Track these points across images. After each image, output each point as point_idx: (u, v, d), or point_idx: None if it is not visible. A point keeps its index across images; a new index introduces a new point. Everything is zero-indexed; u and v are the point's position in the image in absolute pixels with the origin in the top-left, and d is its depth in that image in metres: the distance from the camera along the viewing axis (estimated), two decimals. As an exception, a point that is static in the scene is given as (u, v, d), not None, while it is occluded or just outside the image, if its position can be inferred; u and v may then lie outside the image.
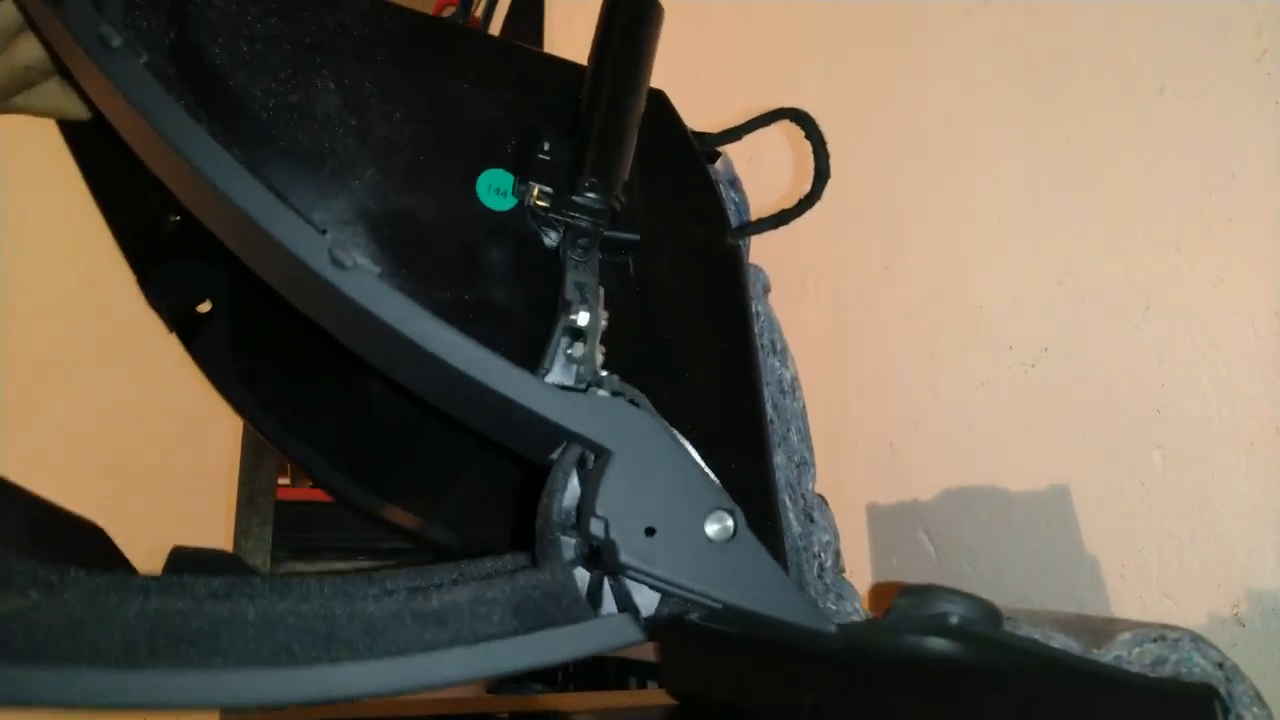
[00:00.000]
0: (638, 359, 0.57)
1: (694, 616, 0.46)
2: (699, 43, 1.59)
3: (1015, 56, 0.82)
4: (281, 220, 0.42)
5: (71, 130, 0.66)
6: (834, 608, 0.57)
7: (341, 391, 0.86)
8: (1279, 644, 0.56)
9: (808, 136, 0.68)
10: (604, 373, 0.50)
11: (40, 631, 0.35)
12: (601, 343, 0.52)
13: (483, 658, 0.39)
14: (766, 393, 0.63)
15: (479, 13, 3.36)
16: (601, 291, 0.54)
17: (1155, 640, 0.45)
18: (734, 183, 0.74)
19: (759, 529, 0.51)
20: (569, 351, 0.51)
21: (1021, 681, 0.48)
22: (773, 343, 0.67)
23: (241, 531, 1.56)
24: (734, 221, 0.71)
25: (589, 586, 0.46)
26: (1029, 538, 0.77)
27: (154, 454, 2.95)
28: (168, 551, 0.54)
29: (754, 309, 0.66)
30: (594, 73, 0.61)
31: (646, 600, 0.46)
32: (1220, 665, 0.44)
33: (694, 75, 1.63)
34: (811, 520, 0.62)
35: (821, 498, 0.65)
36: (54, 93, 0.60)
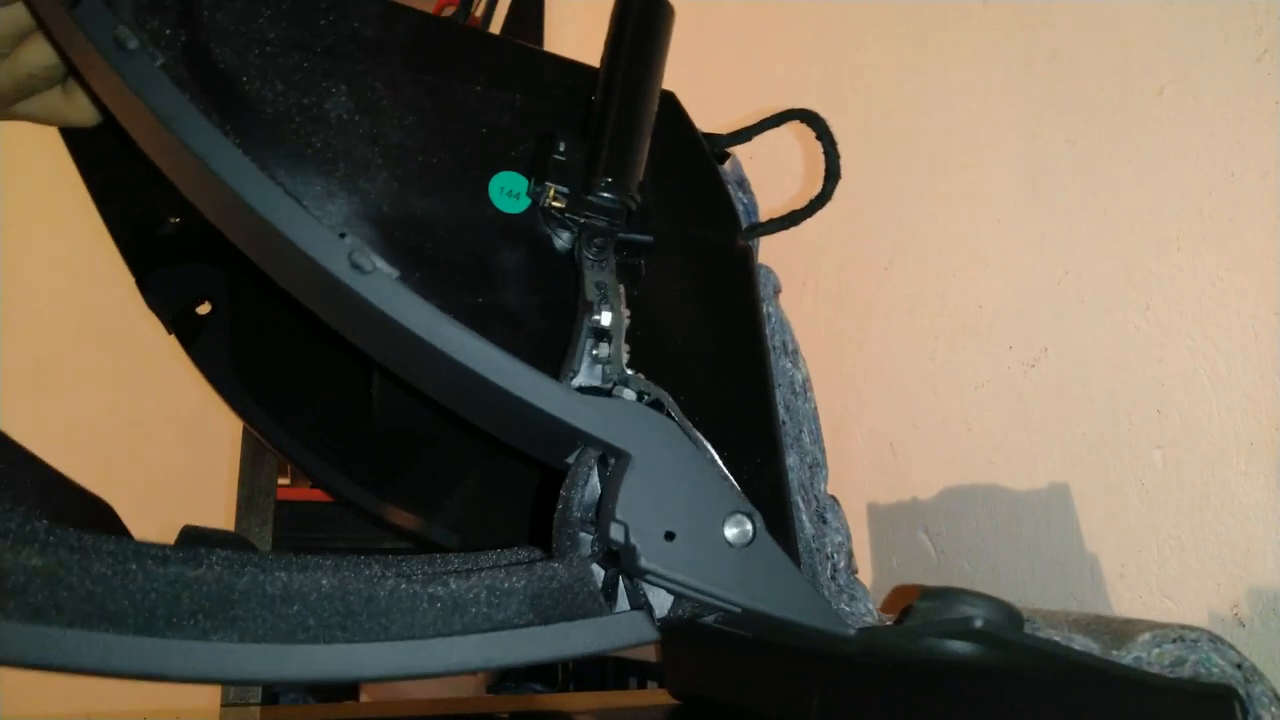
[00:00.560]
0: (651, 362, 0.57)
1: (710, 619, 0.46)
2: (700, 43, 1.59)
3: (1015, 56, 0.82)
4: (302, 225, 0.42)
5: (72, 133, 0.66)
6: (848, 609, 0.57)
7: (342, 393, 0.86)
8: (1279, 644, 0.56)
9: (819, 138, 0.68)
10: (630, 371, 0.51)
11: (61, 591, 0.34)
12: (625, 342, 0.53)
13: (497, 646, 0.39)
14: (779, 394, 0.63)
15: (479, 12, 3.36)
16: (622, 290, 0.55)
17: (1174, 641, 0.45)
18: (743, 184, 0.74)
19: (774, 531, 0.51)
20: (594, 352, 0.51)
21: (1040, 683, 0.48)
22: (784, 344, 0.67)
23: (241, 530, 1.56)
24: (743, 223, 0.71)
25: (604, 583, 0.46)
26: (1029, 538, 0.77)
27: (154, 454, 2.95)
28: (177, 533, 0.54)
29: (765, 310, 0.66)
30: (607, 73, 0.61)
31: (660, 600, 0.46)
32: (1239, 666, 0.44)
33: (694, 76, 1.63)
34: (824, 521, 0.62)
35: (834, 498, 0.65)
36: (56, 100, 0.60)
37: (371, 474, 0.86)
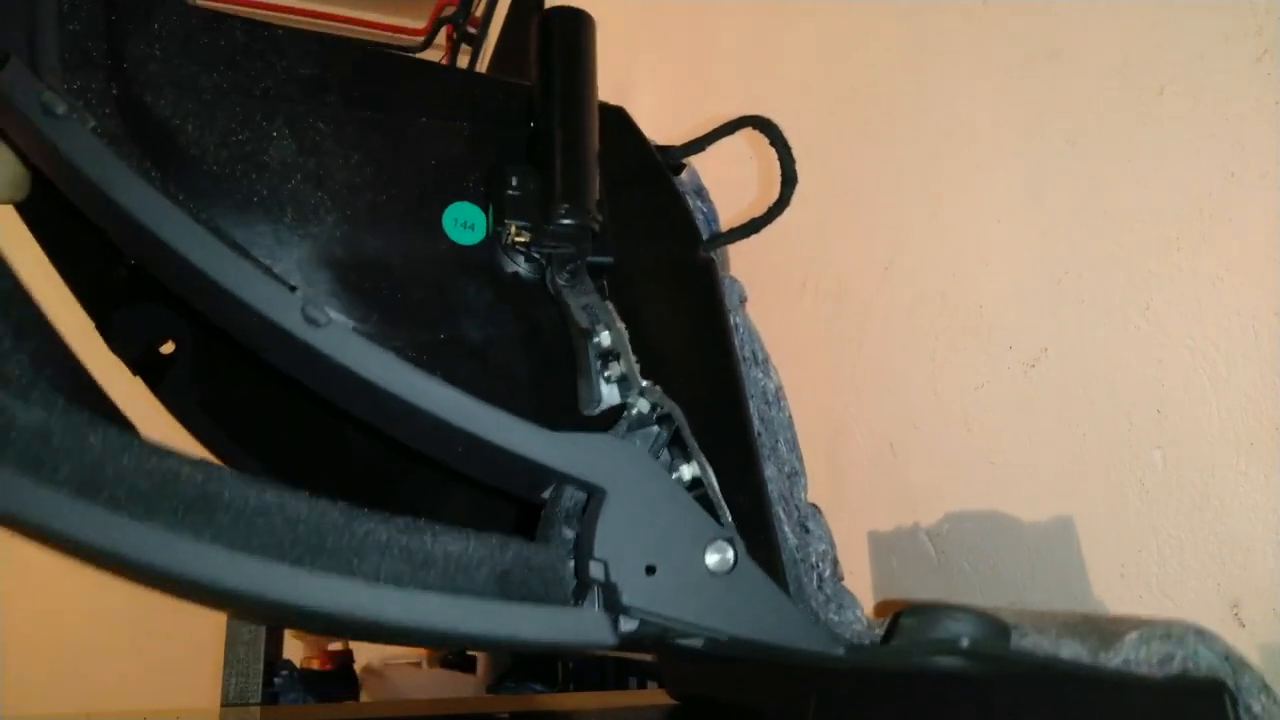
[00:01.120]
0: None
1: (697, 644, 0.46)
2: (700, 43, 1.59)
3: (1015, 56, 0.82)
4: (250, 281, 0.42)
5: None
6: (835, 618, 0.57)
7: (314, 427, 0.85)
8: (1279, 644, 0.57)
9: (772, 144, 0.68)
10: (645, 382, 0.50)
11: (56, 454, 0.34)
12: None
13: (454, 611, 0.39)
14: (752, 405, 0.63)
15: (479, 12, 3.36)
16: (611, 305, 0.54)
17: (1161, 638, 0.45)
18: (700, 192, 0.74)
19: (755, 546, 0.51)
20: (607, 374, 0.51)
21: (1030, 689, 0.48)
22: (754, 354, 0.67)
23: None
24: (703, 231, 0.71)
25: (578, 582, 0.45)
26: (1029, 538, 0.77)
27: (154, 454, 2.94)
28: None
29: (732, 321, 0.66)
30: (542, 96, 0.60)
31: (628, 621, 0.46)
32: (1226, 657, 0.44)
33: (694, 76, 1.63)
34: (807, 530, 0.61)
35: (815, 506, 0.64)
36: None
37: (349, 502, 0.84)
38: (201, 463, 0.38)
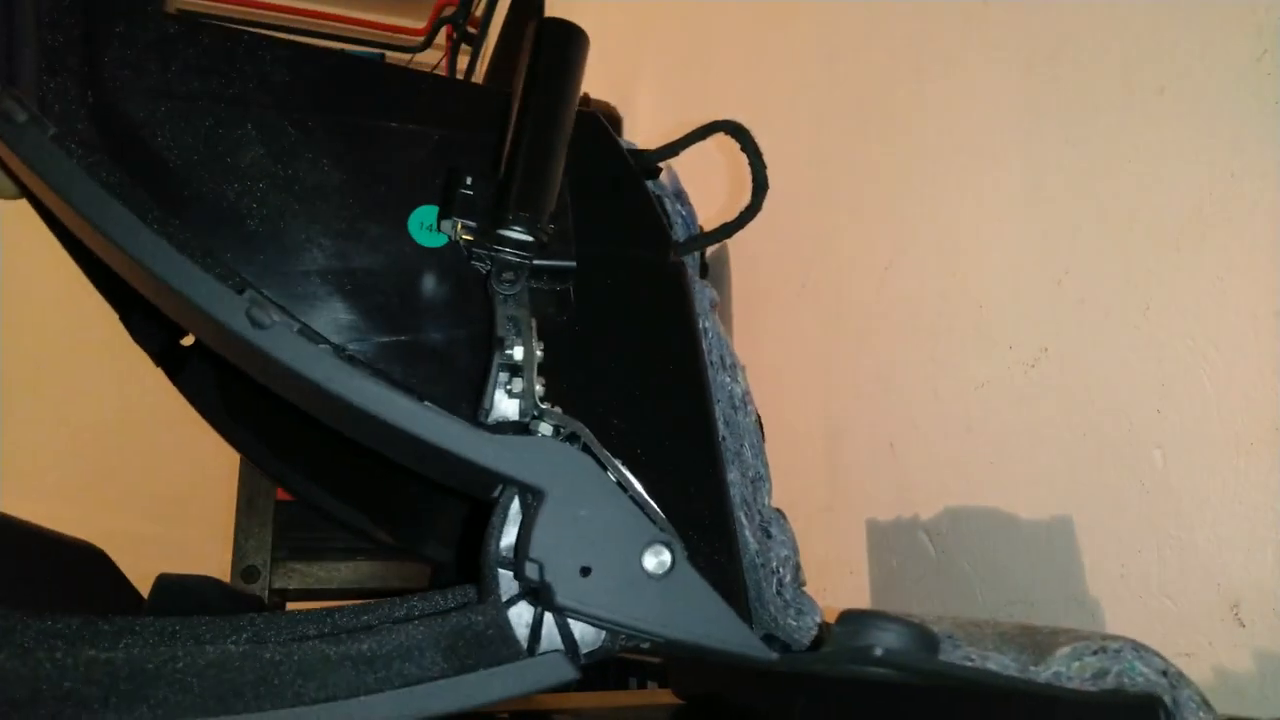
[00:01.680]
0: (584, 387, 0.57)
1: (645, 648, 0.46)
2: (700, 43, 1.59)
3: (1015, 56, 0.82)
4: (197, 281, 0.43)
5: None
6: (795, 623, 0.57)
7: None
8: (1279, 644, 0.57)
9: (743, 149, 0.68)
10: (545, 405, 0.51)
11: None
12: (541, 374, 0.53)
13: (411, 701, 0.40)
14: (718, 410, 0.63)
15: (479, 12, 3.36)
16: (534, 323, 0.54)
17: (1095, 653, 0.44)
18: (680, 195, 0.74)
19: (715, 550, 0.52)
20: (509, 387, 0.51)
21: (958, 701, 0.48)
22: (722, 359, 0.66)
23: (241, 531, 1.56)
24: (682, 234, 0.71)
25: (533, 621, 0.46)
26: (1029, 538, 0.78)
27: (154, 455, 2.95)
28: (164, 553, 0.55)
29: (701, 325, 0.66)
30: (521, 103, 0.61)
31: (593, 634, 0.46)
32: (1164, 673, 0.43)
33: (694, 76, 1.63)
34: (769, 536, 0.61)
35: (779, 512, 0.64)
36: None
37: (362, 496, 0.86)
38: (124, 633, 0.40)
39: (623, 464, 0.49)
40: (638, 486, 0.48)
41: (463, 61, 3.48)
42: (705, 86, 1.60)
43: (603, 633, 0.46)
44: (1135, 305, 0.68)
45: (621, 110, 1.86)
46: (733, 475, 0.61)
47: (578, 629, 0.46)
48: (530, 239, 0.56)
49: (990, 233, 0.85)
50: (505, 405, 0.50)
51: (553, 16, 0.64)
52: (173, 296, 0.43)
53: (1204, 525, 0.62)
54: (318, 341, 0.47)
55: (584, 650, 0.46)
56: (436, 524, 0.85)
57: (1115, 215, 0.71)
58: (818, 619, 0.57)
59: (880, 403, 1.00)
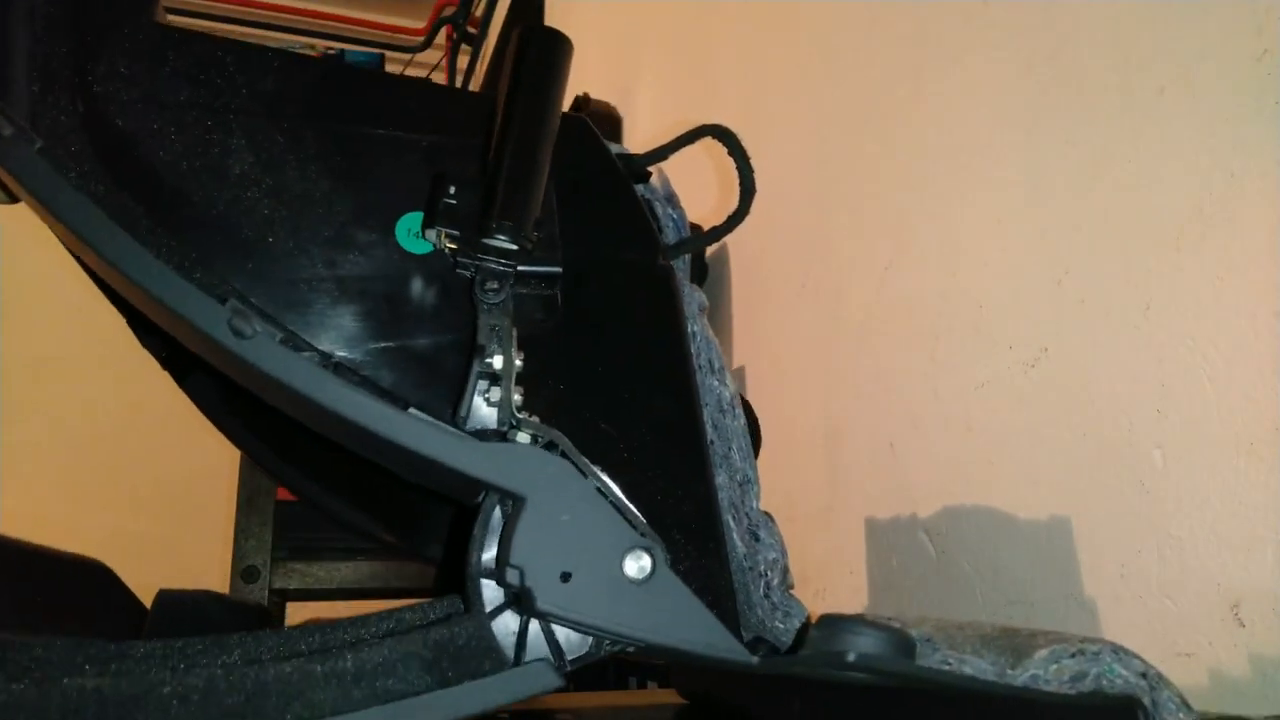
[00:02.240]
0: (571, 391, 0.57)
1: (631, 651, 0.47)
2: (700, 43, 1.59)
3: (1015, 56, 0.82)
4: (180, 293, 0.43)
5: None
6: (782, 625, 0.57)
7: None
8: (1279, 644, 0.57)
9: (730, 153, 0.69)
10: (523, 414, 0.51)
11: None
12: (531, 379, 0.53)
13: (395, 716, 0.40)
14: (706, 413, 0.63)
15: (479, 12, 3.36)
16: (515, 332, 0.54)
17: (1074, 655, 0.44)
18: (671, 199, 0.74)
19: (701, 553, 0.52)
20: (487, 396, 0.51)
21: (935, 706, 0.48)
22: (710, 362, 0.67)
23: (241, 531, 1.56)
24: (673, 238, 0.71)
25: (518, 629, 0.46)
26: (1029, 538, 0.78)
27: (155, 454, 2.95)
28: (172, 542, 0.55)
29: (690, 329, 0.66)
30: (505, 110, 0.61)
31: (579, 640, 0.46)
32: (1144, 675, 0.43)
33: (695, 76, 1.63)
34: (757, 539, 0.62)
35: (768, 515, 0.64)
36: None
37: (366, 497, 0.86)
38: (114, 658, 0.40)
39: (609, 468, 0.49)
40: (618, 492, 0.49)
41: (462, 61, 3.48)
42: (705, 86, 1.60)
43: (588, 638, 0.46)
44: (1135, 305, 0.68)
45: (621, 110, 1.86)
46: (721, 479, 0.61)
47: (562, 635, 0.46)
48: (514, 247, 0.56)
49: (990, 233, 0.85)
50: (483, 413, 0.50)
51: (536, 24, 0.65)
52: (157, 306, 0.44)
53: (1204, 525, 0.62)
54: (302, 350, 0.47)
55: (570, 656, 0.46)
56: (438, 524, 0.85)
57: (1115, 215, 0.71)
58: (804, 622, 0.58)
59: (880, 403, 1.00)
